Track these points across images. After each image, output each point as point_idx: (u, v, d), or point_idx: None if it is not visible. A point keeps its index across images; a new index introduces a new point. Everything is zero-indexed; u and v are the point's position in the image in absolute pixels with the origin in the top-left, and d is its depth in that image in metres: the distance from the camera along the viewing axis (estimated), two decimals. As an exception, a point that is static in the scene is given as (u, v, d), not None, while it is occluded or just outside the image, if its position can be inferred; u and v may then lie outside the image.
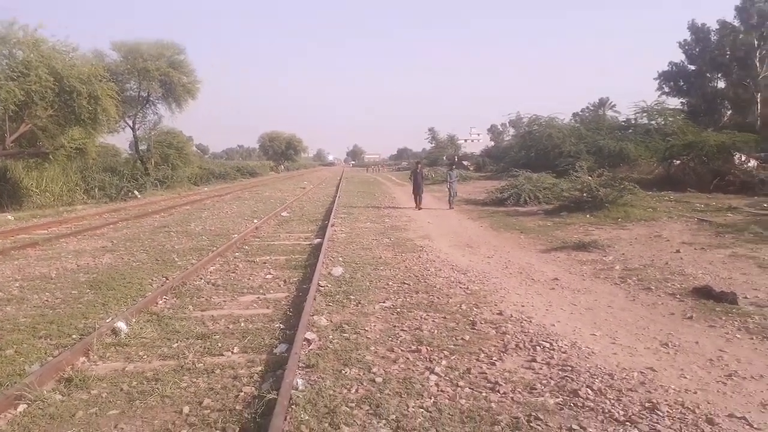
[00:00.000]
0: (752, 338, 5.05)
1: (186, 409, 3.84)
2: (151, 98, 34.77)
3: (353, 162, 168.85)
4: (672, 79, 49.53)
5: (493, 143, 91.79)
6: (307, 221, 15.23)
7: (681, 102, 47.08)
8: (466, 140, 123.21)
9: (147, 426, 3.63)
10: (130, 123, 34.67)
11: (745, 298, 6.33)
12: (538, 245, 10.68)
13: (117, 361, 4.79)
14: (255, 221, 15.00)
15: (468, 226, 14.28)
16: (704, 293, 6.46)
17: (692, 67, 47.68)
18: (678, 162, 23.22)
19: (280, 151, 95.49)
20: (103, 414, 3.82)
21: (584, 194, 15.48)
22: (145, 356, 4.91)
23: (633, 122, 34.55)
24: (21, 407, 3.89)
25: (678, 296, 6.56)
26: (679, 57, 48.22)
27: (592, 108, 77.40)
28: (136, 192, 27.60)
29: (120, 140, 41.09)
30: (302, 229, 13.48)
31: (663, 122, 31.75)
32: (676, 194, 18.67)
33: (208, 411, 3.81)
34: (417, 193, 19.29)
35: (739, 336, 5.14)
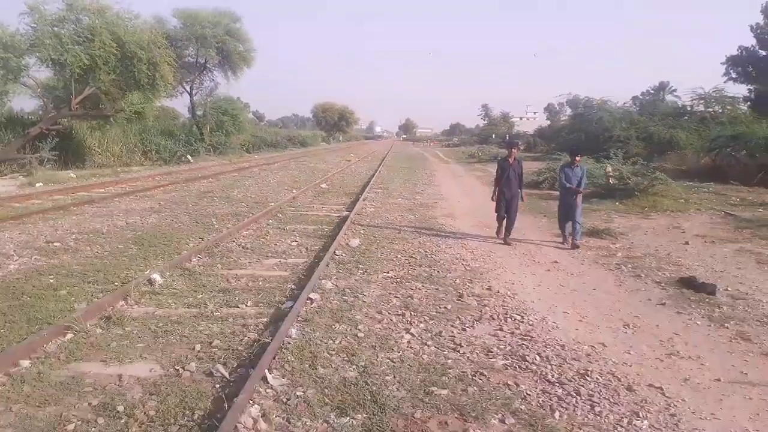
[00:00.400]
0: (710, 326, 5.52)
1: (198, 347, 4.66)
2: (208, 65, 36.05)
3: (404, 135, 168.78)
4: (741, 64, 47.42)
5: (549, 123, 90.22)
6: (343, 194, 16.02)
7: (749, 89, 45.23)
8: (521, 118, 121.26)
9: (165, 357, 4.47)
10: (188, 89, 36.13)
11: (726, 290, 6.73)
12: (555, 229, 11.06)
13: (149, 306, 5.68)
14: (294, 191, 15.90)
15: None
16: (687, 283, 6.88)
17: (763, 53, 45.62)
18: (724, 153, 22.75)
19: (333, 122, 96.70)
20: (132, 346, 4.68)
21: (617, 181, 15.65)
22: (173, 304, 5.79)
23: (689, 109, 33.68)
24: (69, 335, 4.80)
25: (663, 285, 7.00)
26: (750, 41, 46.20)
27: (651, 92, 75.03)
28: (189, 156, 29.04)
29: (179, 104, 42.90)
30: (336, 201, 14.27)
31: (720, 110, 30.87)
32: (717, 186, 18.47)
33: (215, 349, 4.63)
34: (506, 207, 9.76)
35: (699, 323, 5.61)
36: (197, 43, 33.35)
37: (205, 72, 36.57)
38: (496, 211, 9.90)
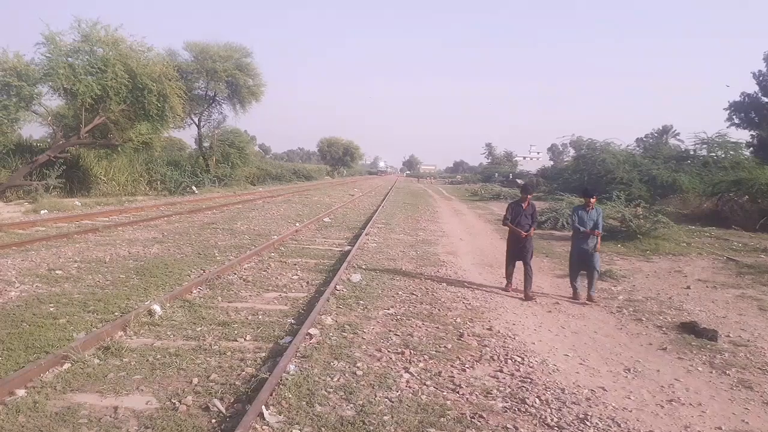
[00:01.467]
0: (711, 372, 5.47)
1: (195, 380, 4.63)
2: (218, 98, 36.56)
3: (408, 172, 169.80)
4: (743, 110, 48.01)
5: (552, 163, 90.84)
6: (345, 228, 16.06)
7: (751, 135, 45.58)
8: (524, 158, 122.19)
9: (162, 389, 4.44)
10: (196, 120, 36.58)
11: (728, 336, 6.69)
12: (557, 270, 11.10)
13: (148, 338, 5.67)
14: (297, 224, 15.96)
15: (498, 246, 14.71)
16: (689, 328, 6.84)
17: (766, 99, 46.12)
18: (726, 198, 22.83)
19: (338, 157, 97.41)
20: (129, 377, 4.65)
21: (619, 224, 15.69)
22: (172, 336, 5.77)
23: (692, 153, 33.93)
24: (66, 365, 4.79)
25: (664, 329, 6.96)
26: (753, 88, 46.76)
27: (655, 134, 75.79)
28: (194, 187, 29.25)
29: (187, 135, 43.35)
30: (338, 236, 14.30)
31: (723, 155, 31.08)
32: (719, 231, 18.47)
33: (213, 383, 4.60)
34: (520, 257, 8.77)
35: (700, 369, 5.56)
36: (207, 77, 33.90)
37: (214, 104, 37.10)
38: (506, 261, 9.05)
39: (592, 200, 8.58)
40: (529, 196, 8.92)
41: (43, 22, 20.01)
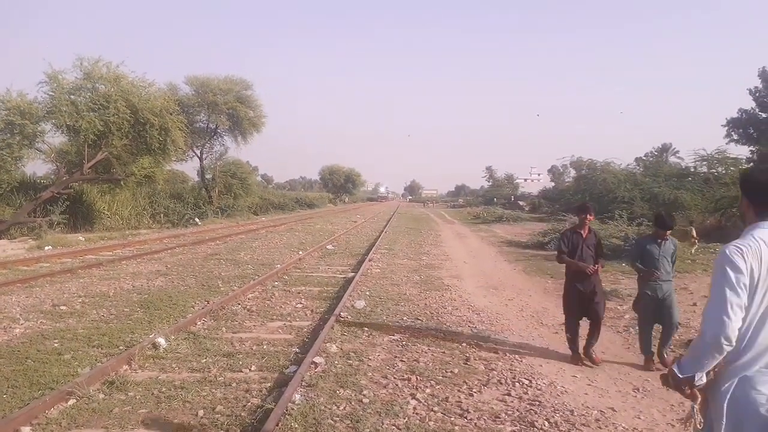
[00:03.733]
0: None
1: (201, 413, 4.60)
2: (219, 130, 36.93)
3: (410, 197, 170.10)
4: (741, 126, 48.25)
5: (553, 184, 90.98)
6: (348, 255, 16.05)
7: (751, 150, 45.72)
8: (525, 180, 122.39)
9: (167, 423, 4.41)
10: (198, 153, 36.88)
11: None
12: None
13: (153, 371, 5.64)
14: (300, 252, 15.96)
15: (502, 268, 14.72)
16: (697, 346, 6.75)
17: (763, 115, 46.40)
18: (729, 213, 22.83)
19: (339, 184, 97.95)
20: (134, 412, 4.62)
21: (622, 242, 15.67)
22: (177, 368, 5.74)
23: (692, 170, 34.00)
24: (71, 401, 4.76)
25: (672, 347, 6.89)
26: (750, 104, 47.07)
27: (655, 153, 75.96)
28: (197, 219, 29.34)
29: (189, 168, 43.58)
30: (342, 263, 14.29)
31: (724, 171, 31.12)
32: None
33: (219, 415, 4.56)
34: (588, 312, 6.46)
35: (710, 387, 5.50)
36: (209, 110, 34.37)
37: (215, 137, 37.52)
38: (566, 318, 6.60)
39: (669, 228, 6.35)
40: (589, 218, 6.45)
41: (46, 61, 20.35)
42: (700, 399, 2.42)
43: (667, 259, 6.31)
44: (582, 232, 6.46)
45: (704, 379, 2.33)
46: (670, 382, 2.45)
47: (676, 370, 2.40)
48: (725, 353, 2.23)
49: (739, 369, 2.26)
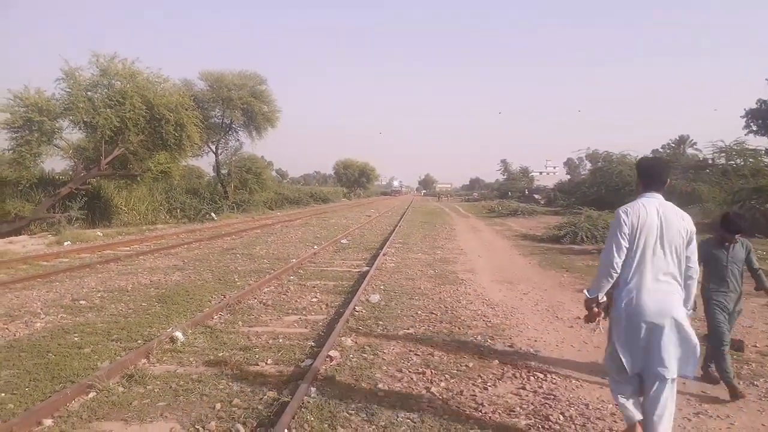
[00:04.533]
0: (739, 383, 5.36)
1: (218, 406, 4.66)
2: (234, 125, 37.09)
3: (424, 191, 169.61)
4: (760, 117, 47.53)
5: (569, 177, 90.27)
6: (363, 249, 16.09)
7: (770, 141, 45.02)
8: (540, 173, 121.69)
9: (185, 416, 4.48)
10: (213, 148, 37.09)
11: (755, 346, 6.57)
12: (578, 285, 10.98)
13: (171, 364, 5.73)
14: (315, 247, 16.03)
15: (517, 261, 14.67)
16: (714, 339, 6.68)
17: (783, 105, 45.69)
18: (748, 206, 22.52)
19: (354, 179, 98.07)
20: (153, 404, 4.70)
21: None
22: (194, 362, 5.82)
23: (710, 162, 33.58)
24: (91, 394, 4.85)
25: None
26: (769, 94, 46.34)
27: (672, 145, 75.00)
28: (213, 214, 29.55)
29: (204, 163, 43.92)
30: (356, 257, 14.34)
31: (742, 163, 30.68)
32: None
33: (236, 408, 4.62)
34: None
35: (727, 380, 5.46)
36: (223, 105, 34.48)
37: (230, 132, 37.62)
38: (714, 352, 5.31)
39: (738, 235, 5.36)
40: (736, 222, 5.29)
41: (62, 58, 20.58)
42: (603, 315, 3.73)
43: (737, 266, 5.39)
44: (727, 252, 5.32)
45: (604, 299, 3.66)
46: (585, 304, 3.75)
47: (586, 294, 3.71)
48: (614, 278, 3.55)
49: (632, 288, 3.50)
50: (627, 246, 3.49)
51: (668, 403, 3.51)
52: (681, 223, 3.54)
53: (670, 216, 3.52)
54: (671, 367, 3.46)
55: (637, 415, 3.66)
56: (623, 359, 3.56)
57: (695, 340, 3.51)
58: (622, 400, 3.73)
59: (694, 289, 3.69)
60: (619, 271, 3.52)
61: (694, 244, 3.59)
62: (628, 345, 3.54)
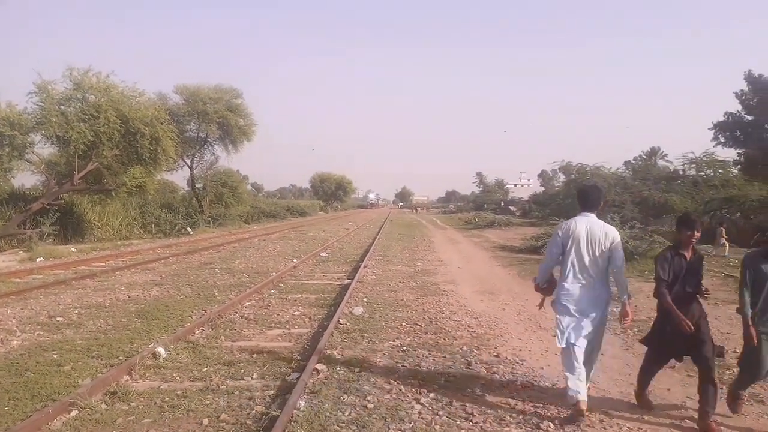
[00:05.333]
0: (722, 388, 5.45)
1: (205, 422, 4.58)
2: (209, 139, 36.79)
3: (401, 203, 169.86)
4: (728, 129, 48.74)
5: (543, 189, 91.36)
6: (343, 262, 16.05)
7: (738, 153, 46.15)
8: (515, 185, 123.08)
9: (172, 432, 4.39)
10: (189, 162, 36.74)
11: (734, 352, 6.67)
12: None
13: (154, 380, 5.62)
14: (294, 260, 15.93)
15: (497, 272, 14.79)
16: (695, 346, 6.81)
17: (749, 118, 46.91)
18: (718, 216, 23.03)
19: (330, 192, 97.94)
20: (138, 422, 4.60)
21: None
22: (178, 377, 5.72)
23: (681, 173, 34.29)
24: (73, 412, 4.73)
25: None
26: (735, 107, 47.57)
27: (644, 157, 76.45)
28: (189, 229, 29.19)
29: (179, 177, 43.36)
30: (337, 270, 14.29)
31: (712, 174, 31.40)
32: (714, 248, 18.57)
33: (224, 424, 4.55)
34: (689, 349, 4.88)
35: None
36: (199, 119, 34.22)
37: (205, 146, 37.36)
38: (647, 355, 5.29)
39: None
40: (696, 236, 4.80)
41: (35, 71, 20.23)
42: (546, 296, 5.29)
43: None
44: (686, 254, 4.84)
45: (544, 284, 5.21)
46: (534, 288, 5.40)
47: (535, 282, 5.37)
48: (548, 271, 5.16)
49: (565, 281, 4.91)
50: (559, 251, 5.01)
51: (594, 359, 5.12)
52: (602, 232, 4.84)
53: (594, 229, 4.85)
54: (592, 341, 4.97)
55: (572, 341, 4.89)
56: (565, 331, 4.87)
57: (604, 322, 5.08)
58: (574, 378, 4.73)
59: (622, 279, 4.87)
60: (552, 266, 5.16)
61: (616, 245, 4.82)
62: (563, 314, 4.91)
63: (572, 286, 4.83)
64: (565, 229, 4.95)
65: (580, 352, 4.75)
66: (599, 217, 4.99)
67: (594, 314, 4.82)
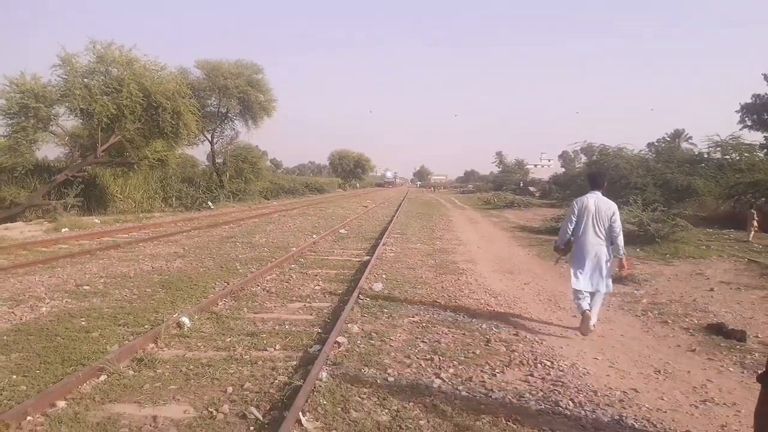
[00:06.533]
0: (743, 372, 5.45)
1: (230, 389, 4.69)
2: (230, 114, 36.90)
3: (419, 182, 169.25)
4: (755, 111, 47.71)
5: (563, 170, 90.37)
6: (362, 239, 16.12)
7: (765, 136, 45.13)
8: (536, 165, 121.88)
9: (198, 399, 4.50)
10: (209, 137, 36.93)
11: (756, 337, 6.64)
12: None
13: (179, 349, 5.74)
14: (314, 236, 16.04)
15: (516, 252, 14.75)
16: (716, 329, 6.81)
17: (778, 100, 45.89)
18: (743, 200, 22.64)
19: (349, 169, 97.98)
20: (164, 388, 4.72)
21: (636, 228, 15.60)
22: (202, 347, 5.84)
23: (706, 156, 33.66)
24: (102, 377, 4.87)
25: (691, 331, 6.94)
26: (764, 89, 46.46)
27: (667, 139, 75.14)
28: (209, 203, 29.49)
29: (199, 152, 43.72)
30: (356, 246, 14.37)
31: (738, 157, 30.76)
32: (738, 233, 18.29)
33: (247, 392, 4.65)
34: None
35: (732, 369, 5.54)
36: (219, 94, 34.29)
37: (226, 121, 37.45)
38: None
39: None
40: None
41: (59, 44, 20.39)
42: (560, 255, 7.28)
43: None
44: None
45: (562, 246, 6.94)
46: (554, 249, 7.46)
47: (555, 244, 7.31)
48: (567, 237, 6.83)
49: (579, 241, 6.67)
50: (576, 219, 6.72)
51: (597, 302, 6.79)
52: (606, 206, 6.59)
53: (600, 203, 6.61)
54: (601, 286, 6.63)
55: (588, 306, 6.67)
56: (579, 279, 6.65)
57: (609, 271, 6.66)
58: (581, 302, 6.69)
59: (620, 240, 6.62)
60: (570, 233, 6.82)
61: (616, 217, 6.57)
62: (578, 267, 6.69)
63: (584, 243, 6.61)
64: (580, 203, 6.72)
65: (586, 291, 6.66)
66: (603, 194, 6.75)
67: (599, 263, 6.61)
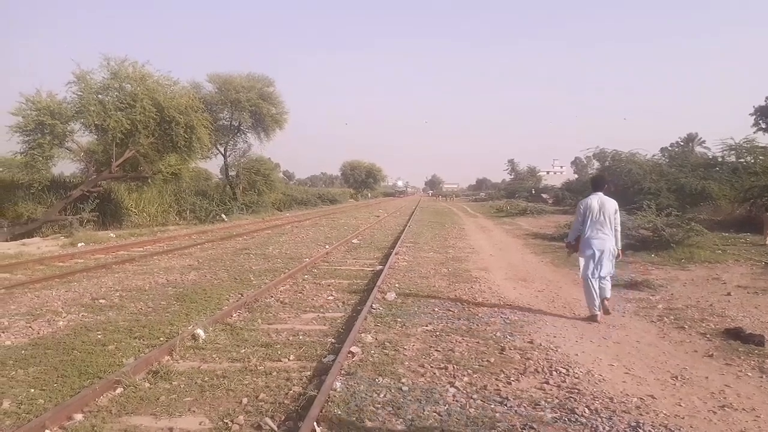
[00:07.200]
0: (762, 377, 5.37)
1: (245, 400, 4.71)
2: (242, 128, 37.17)
3: (431, 191, 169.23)
4: (769, 114, 47.35)
5: (576, 176, 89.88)
6: (374, 249, 16.14)
7: (780, 139, 44.71)
8: (548, 172, 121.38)
9: (213, 410, 4.53)
10: (222, 150, 37.20)
11: (775, 341, 6.55)
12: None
13: (194, 361, 5.78)
14: (327, 247, 16.09)
15: (530, 260, 14.68)
16: (734, 334, 6.73)
17: (793, 103, 45.47)
18: (759, 203, 22.38)
19: (360, 180, 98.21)
20: (180, 399, 4.75)
21: (651, 233, 15.47)
22: (217, 358, 5.87)
23: (720, 160, 33.36)
24: (119, 389, 4.91)
25: (708, 336, 6.86)
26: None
27: (680, 143, 74.65)
28: (223, 215, 29.68)
29: (212, 165, 44.08)
30: (369, 256, 14.38)
31: (753, 160, 30.45)
32: (754, 237, 18.06)
33: (262, 402, 4.67)
34: None
35: (750, 374, 5.47)
36: (232, 107, 34.57)
37: (238, 134, 37.72)
38: None
39: None
40: None
41: (74, 62, 20.72)
42: (572, 250, 8.21)
43: None
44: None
45: (574, 241, 7.97)
46: (565, 245, 8.80)
47: (566, 240, 8.53)
48: (577, 232, 7.85)
49: (587, 236, 7.62)
50: (582, 218, 7.68)
51: (607, 286, 7.70)
52: (610, 204, 7.60)
53: (603, 201, 7.60)
54: (607, 272, 7.61)
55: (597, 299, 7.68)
56: (588, 268, 7.63)
57: (614, 260, 7.72)
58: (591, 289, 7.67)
59: (619, 234, 7.68)
60: (580, 229, 7.76)
61: (617, 213, 7.62)
62: (587, 257, 7.68)
63: (592, 237, 7.57)
64: (584, 204, 7.73)
65: (595, 282, 7.60)
66: (605, 193, 7.80)
67: (605, 254, 7.56)
